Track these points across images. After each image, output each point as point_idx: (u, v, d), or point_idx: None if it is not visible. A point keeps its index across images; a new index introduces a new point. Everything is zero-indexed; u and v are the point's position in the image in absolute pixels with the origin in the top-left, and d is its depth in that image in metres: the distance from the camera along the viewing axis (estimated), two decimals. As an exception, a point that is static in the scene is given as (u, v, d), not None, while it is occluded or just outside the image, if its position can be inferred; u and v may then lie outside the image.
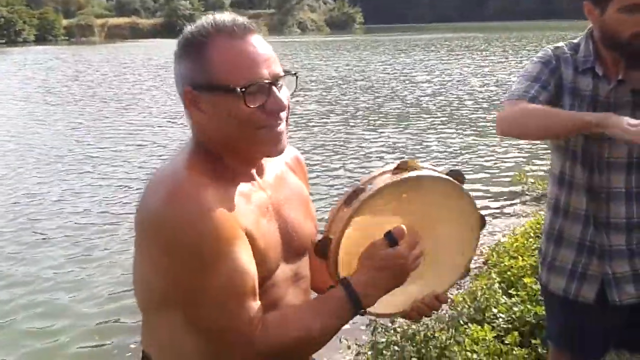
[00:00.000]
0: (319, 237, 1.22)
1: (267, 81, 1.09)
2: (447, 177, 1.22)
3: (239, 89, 1.06)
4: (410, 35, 54.58)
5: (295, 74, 1.18)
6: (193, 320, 1.07)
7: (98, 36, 74.64)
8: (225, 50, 1.08)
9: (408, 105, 14.00)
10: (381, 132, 10.81)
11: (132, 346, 3.75)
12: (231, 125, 1.09)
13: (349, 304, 1.10)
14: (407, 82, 18.45)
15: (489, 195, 6.91)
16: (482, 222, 1.30)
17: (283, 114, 1.13)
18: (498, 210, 6.28)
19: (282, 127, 1.13)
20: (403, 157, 1.25)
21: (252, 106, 1.07)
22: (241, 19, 1.12)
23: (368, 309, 1.16)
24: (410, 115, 12.61)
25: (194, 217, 1.01)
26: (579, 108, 1.78)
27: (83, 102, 16.10)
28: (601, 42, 1.75)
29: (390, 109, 13.55)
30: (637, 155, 1.75)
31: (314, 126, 11.65)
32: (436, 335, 2.94)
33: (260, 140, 1.11)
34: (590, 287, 1.86)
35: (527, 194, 6.66)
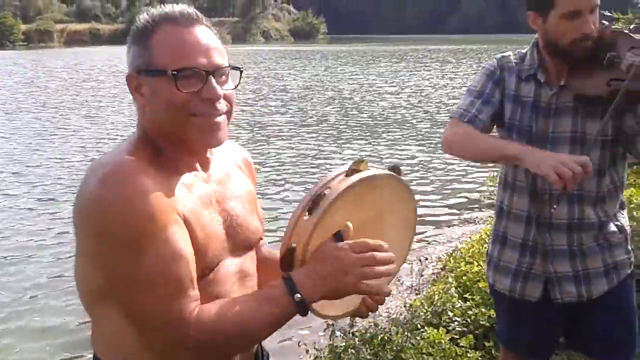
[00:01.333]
0: (279, 249, 1.19)
1: (204, 69, 1.10)
2: (392, 173, 1.25)
3: (170, 71, 1.08)
4: (375, 46, 55.18)
5: (240, 68, 1.20)
6: (130, 311, 1.06)
7: (57, 42, 73.13)
8: (167, 36, 1.11)
9: (372, 116, 14.11)
10: (344, 143, 10.87)
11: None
12: (168, 110, 1.11)
13: (288, 297, 1.08)
14: (372, 92, 18.64)
15: (449, 203, 7.05)
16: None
17: (220, 105, 1.13)
18: (457, 218, 6.41)
19: (220, 118, 1.14)
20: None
21: (184, 91, 1.09)
22: (189, 10, 1.15)
23: (322, 313, 1.16)
24: (375, 127, 12.72)
25: (127, 199, 1.01)
26: (521, 114, 1.86)
27: (42, 109, 15.73)
28: (545, 50, 1.83)
29: (355, 119, 13.64)
30: None
31: (278, 136, 11.65)
32: (393, 338, 2.98)
33: (195, 127, 1.12)
34: (534, 286, 1.93)
35: (485, 202, 6.82)
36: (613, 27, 1.82)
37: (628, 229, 1.96)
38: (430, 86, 19.98)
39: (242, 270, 1.23)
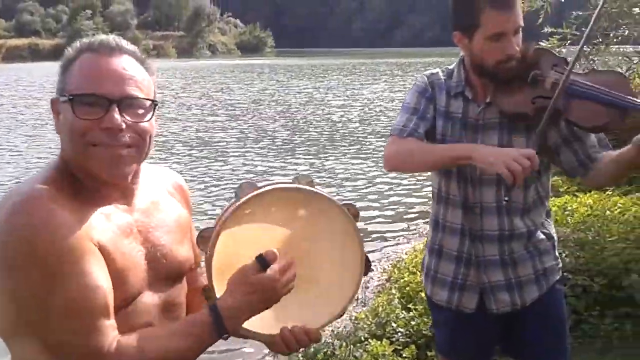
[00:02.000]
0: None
1: (109, 97, 1.08)
2: (342, 206, 1.25)
3: (67, 96, 1.07)
4: (322, 59, 55.51)
5: (155, 102, 1.17)
6: (46, 345, 1.03)
7: (-5, 57, 70.54)
8: (82, 63, 1.11)
9: (322, 130, 14.13)
10: (293, 158, 10.85)
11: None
12: (70, 138, 1.10)
13: (213, 328, 1.08)
14: (322, 106, 18.67)
15: (395, 216, 7.15)
16: (367, 265, 1.29)
17: (124, 137, 1.10)
18: (404, 230, 6.51)
19: (123, 151, 1.10)
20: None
21: (81, 117, 1.07)
22: (116, 41, 1.14)
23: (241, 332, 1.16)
24: (324, 141, 12.74)
25: (36, 230, 0.99)
26: (452, 129, 1.91)
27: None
28: (471, 68, 1.88)
29: (304, 134, 13.63)
30: None
31: (226, 153, 11.54)
32: (336, 352, 2.99)
33: (95, 157, 1.09)
34: (470, 297, 1.97)
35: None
36: (536, 45, 1.89)
37: (555, 235, 2.03)
38: (380, 99, 20.21)
39: (166, 302, 1.20)
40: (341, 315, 1.30)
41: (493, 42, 1.75)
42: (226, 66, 46.21)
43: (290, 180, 1.24)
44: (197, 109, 18.57)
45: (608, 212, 4.35)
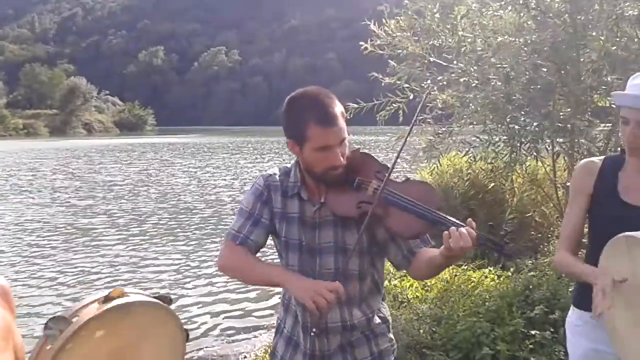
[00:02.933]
0: None
1: None
2: (155, 300, 1.29)
3: None
4: (199, 138, 55.51)
5: None
6: None
7: None
8: None
9: (204, 211, 13.93)
10: (174, 244, 10.54)
11: None
12: None
13: None
14: (206, 186, 18.50)
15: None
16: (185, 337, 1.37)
17: None
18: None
19: None
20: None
21: None
22: None
23: None
24: (206, 223, 12.53)
25: None
26: (290, 229, 2.01)
27: None
28: (305, 171, 2.01)
29: (186, 216, 13.36)
30: (342, 266, 1.99)
31: (96, 240, 11.01)
32: None
33: None
34: None
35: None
36: (361, 151, 2.05)
37: (389, 318, 2.16)
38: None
39: None
40: None
41: (320, 152, 1.89)
42: (101, 145, 44.75)
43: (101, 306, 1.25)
44: (64, 190, 17.67)
45: (463, 286, 4.68)
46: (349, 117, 2.18)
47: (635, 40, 4.61)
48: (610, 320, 1.93)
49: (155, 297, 1.32)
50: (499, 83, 4.65)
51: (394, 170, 1.98)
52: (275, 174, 2.08)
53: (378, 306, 2.12)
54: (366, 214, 1.87)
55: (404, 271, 2.12)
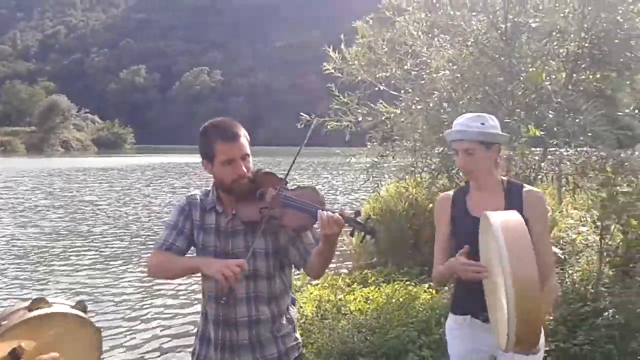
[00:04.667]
0: None
1: None
2: (74, 310, 1.57)
3: None
4: (187, 157, 55.41)
5: None
6: None
7: None
8: None
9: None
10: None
11: None
12: None
13: None
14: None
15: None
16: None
17: None
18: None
19: None
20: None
21: None
22: None
23: None
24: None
25: None
26: (207, 238, 2.35)
27: None
28: (219, 187, 2.37)
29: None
30: (252, 268, 2.30)
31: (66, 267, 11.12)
32: None
33: None
34: None
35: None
36: (263, 170, 2.41)
37: (295, 320, 2.48)
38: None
39: None
40: None
41: (226, 166, 2.27)
42: (81, 163, 44.47)
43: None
44: (45, 211, 17.71)
45: (401, 299, 5.01)
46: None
47: (564, 75, 5.07)
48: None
49: (72, 306, 1.60)
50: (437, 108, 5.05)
51: (289, 181, 2.35)
52: (196, 194, 2.45)
53: (286, 307, 2.44)
54: (267, 217, 2.23)
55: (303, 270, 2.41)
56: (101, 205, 18.78)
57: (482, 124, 2.47)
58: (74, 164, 37.69)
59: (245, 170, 2.28)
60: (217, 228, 2.36)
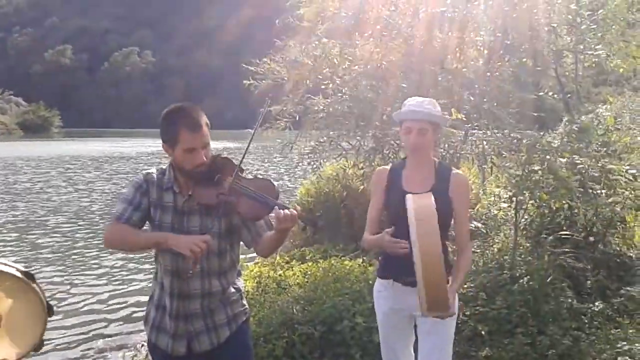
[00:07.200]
0: None
1: None
2: (19, 274, 1.77)
3: None
4: (119, 143, 53.81)
5: None
6: None
7: None
8: None
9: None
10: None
11: None
12: None
13: None
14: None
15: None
16: (49, 310, 1.84)
17: None
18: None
19: None
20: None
21: None
22: None
23: None
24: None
25: None
26: (165, 215, 2.52)
27: None
28: (177, 170, 2.53)
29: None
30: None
31: None
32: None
33: None
34: (181, 344, 2.58)
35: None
36: (222, 155, 2.59)
37: (242, 288, 2.73)
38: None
39: None
40: (39, 348, 1.83)
41: (188, 153, 2.42)
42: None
43: None
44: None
45: (337, 273, 5.33)
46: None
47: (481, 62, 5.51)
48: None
49: (20, 272, 1.79)
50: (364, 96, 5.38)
51: (245, 169, 2.56)
52: (152, 172, 2.59)
53: (234, 279, 2.68)
54: (223, 202, 2.43)
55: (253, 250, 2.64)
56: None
57: (434, 107, 2.79)
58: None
59: (204, 158, 2.43)
60: (174, 207, 2.53)
